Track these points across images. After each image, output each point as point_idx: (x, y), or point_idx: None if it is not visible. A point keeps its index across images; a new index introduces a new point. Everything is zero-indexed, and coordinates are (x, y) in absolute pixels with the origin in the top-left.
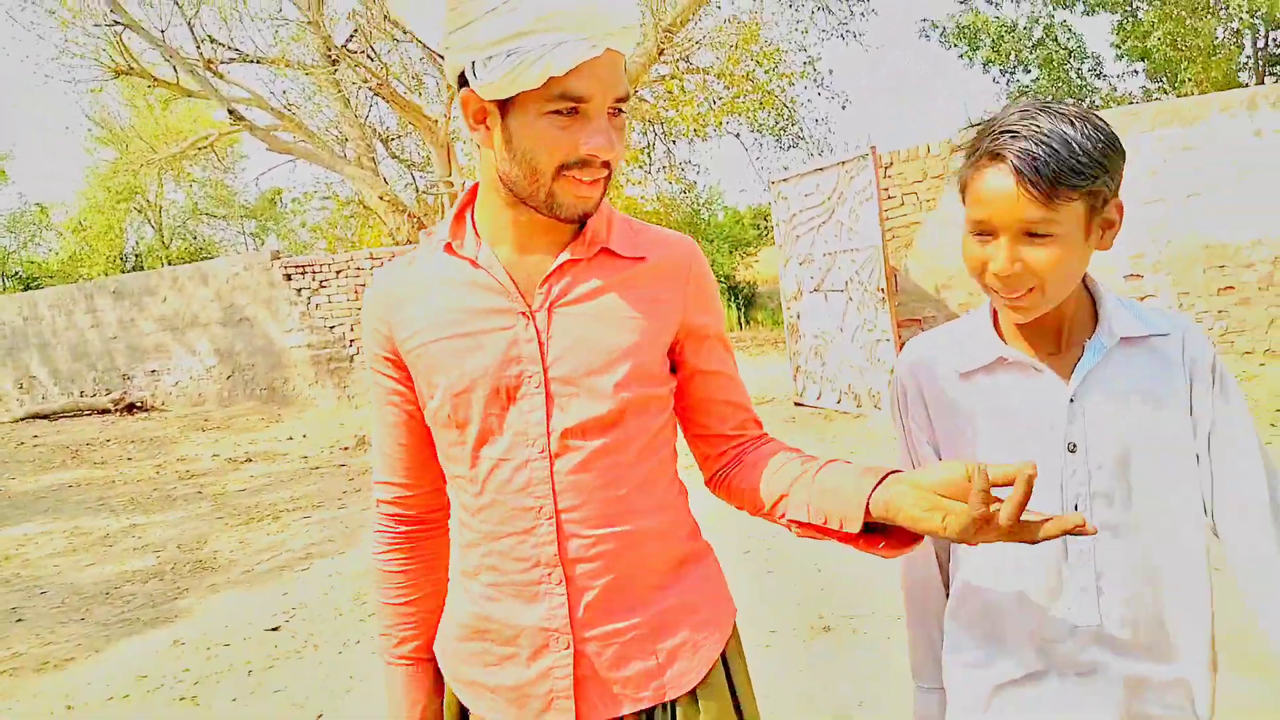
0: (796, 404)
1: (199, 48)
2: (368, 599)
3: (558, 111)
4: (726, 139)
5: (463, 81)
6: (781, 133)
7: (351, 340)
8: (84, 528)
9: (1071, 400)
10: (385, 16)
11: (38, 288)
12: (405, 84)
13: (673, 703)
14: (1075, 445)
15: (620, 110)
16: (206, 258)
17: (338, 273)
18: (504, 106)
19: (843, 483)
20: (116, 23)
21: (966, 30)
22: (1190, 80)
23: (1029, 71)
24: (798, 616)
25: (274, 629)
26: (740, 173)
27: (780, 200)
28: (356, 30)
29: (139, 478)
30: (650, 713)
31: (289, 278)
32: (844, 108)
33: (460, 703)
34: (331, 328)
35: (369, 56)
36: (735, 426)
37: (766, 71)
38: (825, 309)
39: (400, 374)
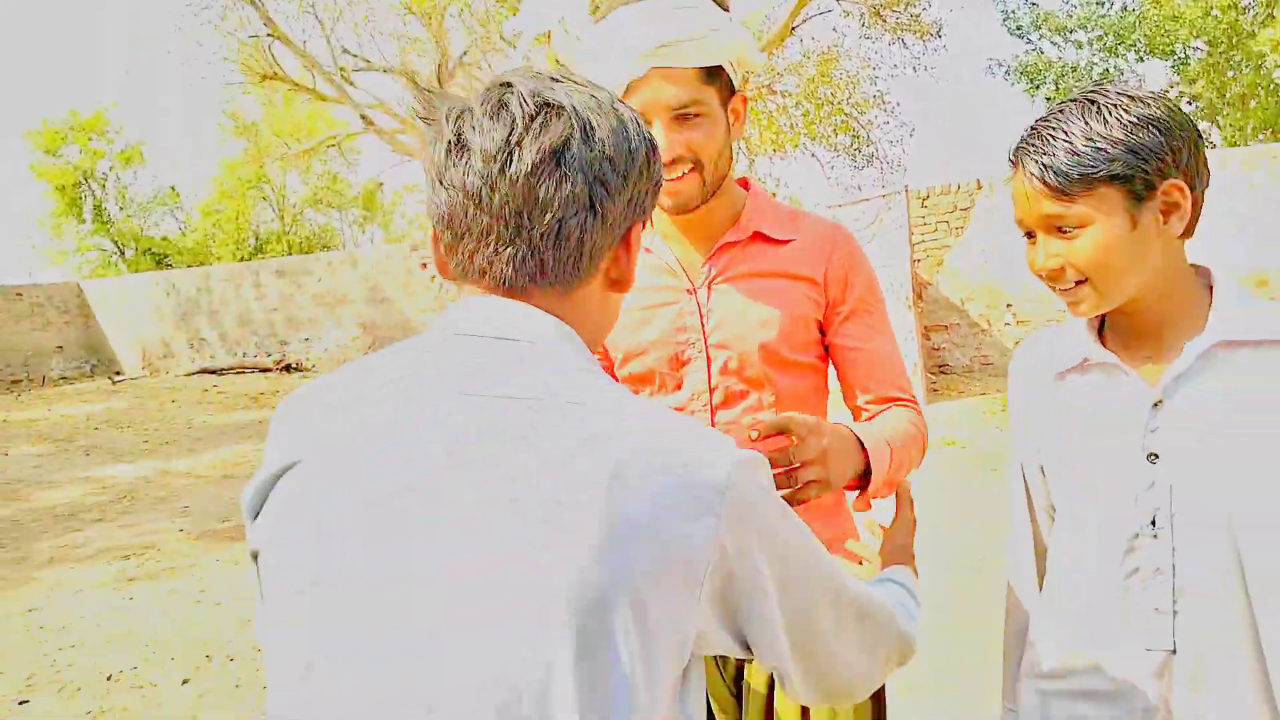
0: None
1: (335, 58)
2: None
3: None
4: (806, 157)
5: None
6: (856, 153)
7: None
8: None
9: (1156, 405)
10: (500, 35)
11: (169, 265)
12: None
13: None
14: (1156, 455)
15: (688, 114)
16: (322, 244)
17: None
18: None
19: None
20: (268, 35)
21: (1029, 69)
22: (1231, 125)
23: None
24: None
25: None
26: (819, 188)
27: None
28: (472, 45)
29: None
30: None
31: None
32: (910, 135)
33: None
34: None
35: (479, 69)
36: (865, 401)
37: (841, 100)
38: None
39: None
